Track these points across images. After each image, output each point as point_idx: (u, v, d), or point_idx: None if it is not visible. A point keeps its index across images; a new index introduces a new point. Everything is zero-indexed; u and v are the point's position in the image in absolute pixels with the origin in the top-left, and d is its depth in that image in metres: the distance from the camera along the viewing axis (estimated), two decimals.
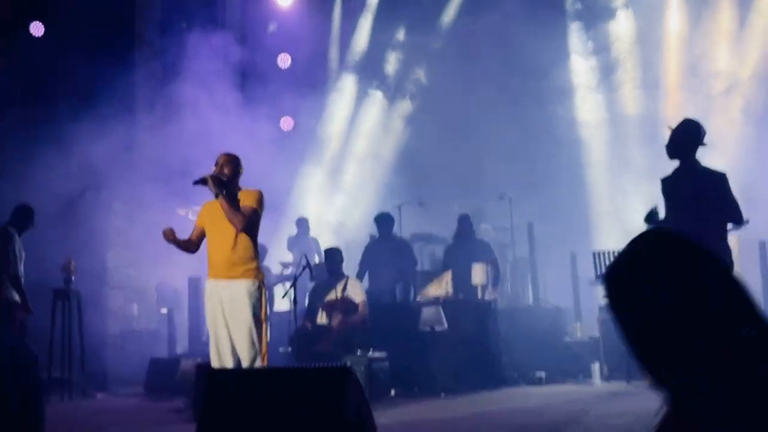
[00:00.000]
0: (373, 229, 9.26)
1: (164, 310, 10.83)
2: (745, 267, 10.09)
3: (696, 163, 5.40)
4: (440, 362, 7.30)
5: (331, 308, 7.70)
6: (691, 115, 11.35)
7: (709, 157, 5.76)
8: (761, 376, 1.31)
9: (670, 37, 12.30)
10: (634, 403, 6.00)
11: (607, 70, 12.74)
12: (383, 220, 8.86)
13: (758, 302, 1.43)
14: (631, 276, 1.48)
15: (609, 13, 12.77)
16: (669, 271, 1.42)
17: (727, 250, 5.16)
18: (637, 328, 1.44)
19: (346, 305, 7.70)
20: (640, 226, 10.48)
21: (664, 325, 1.39)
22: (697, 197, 5.24)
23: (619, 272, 1.50)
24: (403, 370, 7.50)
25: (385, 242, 8.85)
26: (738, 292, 1.43)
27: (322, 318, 7.78)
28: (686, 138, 5.41)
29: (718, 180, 5.29)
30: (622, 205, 10.16)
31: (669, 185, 5.46)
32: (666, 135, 5.53)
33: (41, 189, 9.62)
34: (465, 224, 9.10)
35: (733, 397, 1.31)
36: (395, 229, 9.39)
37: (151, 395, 8.07)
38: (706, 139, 5.44)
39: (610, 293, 1.50)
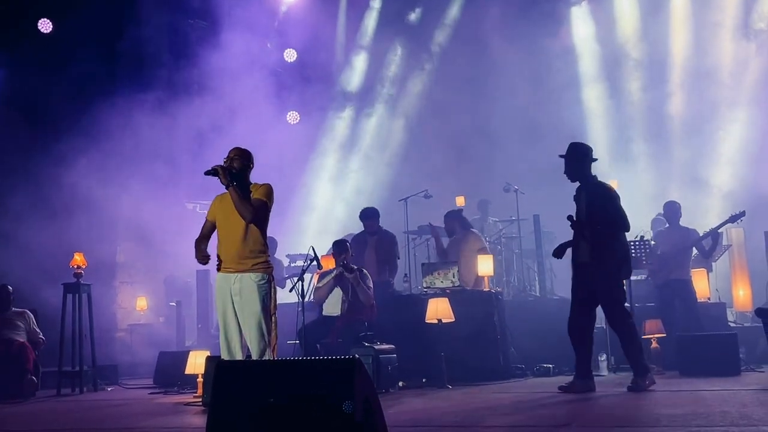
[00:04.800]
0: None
1: (173, 303, 10.90)
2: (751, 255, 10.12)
3: (590, 179, 6.43)
4: (447, 354, 7.32)
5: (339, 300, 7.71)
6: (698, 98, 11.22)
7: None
8: None
9: (676, 16, 12.21)
10: (642, 394, 6.03)
11: (612, 56, 12.67)
12: (365, 215, 9.14)
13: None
14: None
15: None
16: None
17: (616, 252, 6.20)
18: None
19: (353, 297, 7.71)
20: (643, 215, 10.49)
21: None
22: (589, 209, 6.29)
23: None
24: (411, 362, 7.54)
25: (370, 235, 9.08)
26: None
27: (328, 310, 7.81)
28: (577, 160, 6.41)
29: (606, 193, 6.32)
30: (627, 193, 10.12)
31: (575, 199, 6.47)
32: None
33: (49, 183, 9.70)
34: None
35: None
36: (401, 222, 9.82)
37: (161, 387, 8.15)
38: (596, 155, 6.50)
39: None
